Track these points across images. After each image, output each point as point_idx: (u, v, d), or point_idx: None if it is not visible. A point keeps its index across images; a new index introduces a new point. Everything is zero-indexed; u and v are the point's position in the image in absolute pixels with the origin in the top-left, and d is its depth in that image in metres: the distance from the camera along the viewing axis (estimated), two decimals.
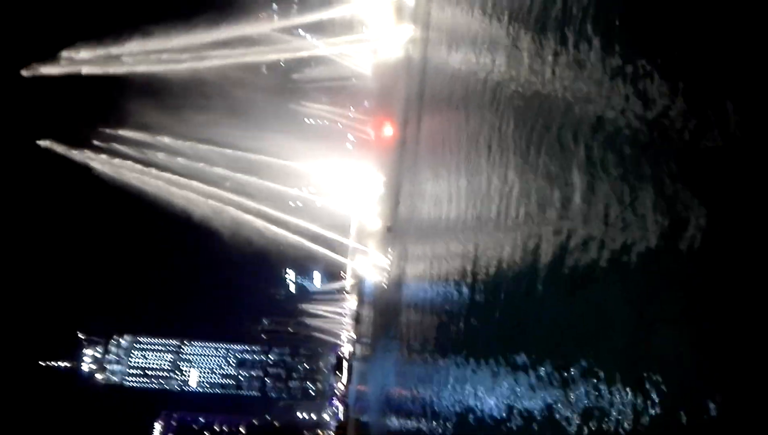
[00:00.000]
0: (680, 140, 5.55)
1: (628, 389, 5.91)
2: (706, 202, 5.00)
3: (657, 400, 5.36)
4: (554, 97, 9.58)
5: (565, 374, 7.71)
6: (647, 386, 5.55)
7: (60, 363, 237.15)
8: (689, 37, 5.61)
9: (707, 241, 4.92)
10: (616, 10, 7.58)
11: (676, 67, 5.80)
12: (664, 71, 6.02)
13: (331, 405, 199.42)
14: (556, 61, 9.79)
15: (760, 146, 4.37)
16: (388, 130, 65.06)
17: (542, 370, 8.85)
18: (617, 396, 6.13)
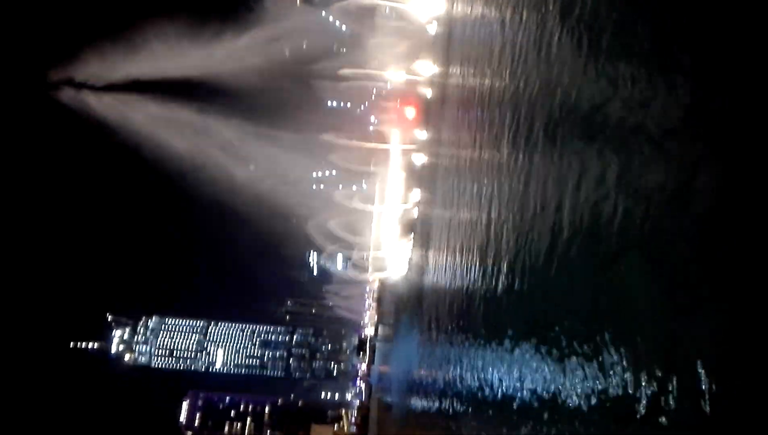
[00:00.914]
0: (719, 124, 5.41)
1: (657, 374, 5.83)
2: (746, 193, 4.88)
3: (685, 387, 5.28)
4: (566, 87, 9.45)
5: (593, 356, 7.64)
6: (675, 372, 5.48)
7: (90, 344, 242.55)
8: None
9: (744, 229, 4.81)
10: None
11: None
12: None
13: (355, 385, 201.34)
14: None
15: None
16: (411, 112, 64.82)
17: (568, 352, 8.78)
18: (646, 381, 6.05)
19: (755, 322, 4.50)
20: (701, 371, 5.02)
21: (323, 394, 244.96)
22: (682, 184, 5.82)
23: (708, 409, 4.86)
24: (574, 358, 8.47)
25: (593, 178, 8.35)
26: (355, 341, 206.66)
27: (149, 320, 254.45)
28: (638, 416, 6.10)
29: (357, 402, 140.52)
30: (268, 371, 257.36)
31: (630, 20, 7.83)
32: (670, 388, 5.50)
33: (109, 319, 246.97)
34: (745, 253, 4.76)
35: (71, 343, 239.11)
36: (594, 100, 8.70)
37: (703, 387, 4.94)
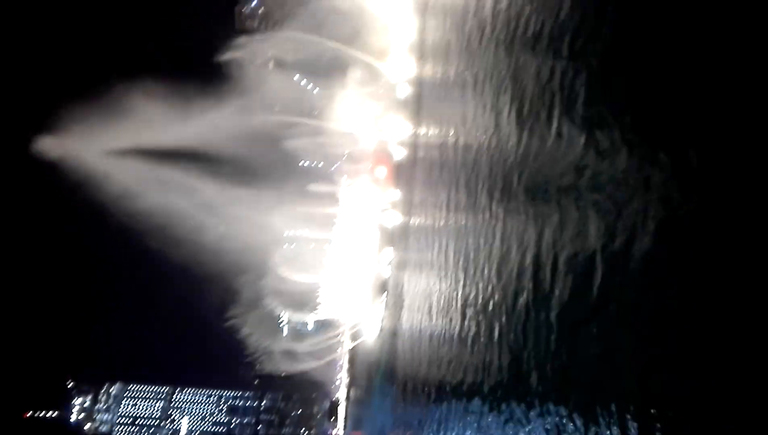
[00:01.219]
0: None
1: (633, 429, 5.86)
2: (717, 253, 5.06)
3: None
4: (515, 153, 9.78)
5: (563, 416, 7.65)
6: (647, 425, 5.52)
7: (48, 412, 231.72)
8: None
9: (713, 279, 4.97)
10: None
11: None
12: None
13: None
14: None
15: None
16: (382, 172, 65.63)
17: (538, 413, 8.77)
18: None
19: (718, 378, 4.60)
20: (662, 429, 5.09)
21: None
22: (638, 250, 6.01)
23: None
24: (545, 419, 8.46)
25: (562, 241, 8.56)
26: (327, 405, 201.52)
27: (111, 387, 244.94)
28: None
29: None
30: None
31: (597, 88, 8.20)
32: None
33: (68, 386, 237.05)
34: (699, 313, 4.91)
35: (27, 412, 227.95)
36: (560, 164, 9.00)
37: None
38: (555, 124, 9.60)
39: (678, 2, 5.55)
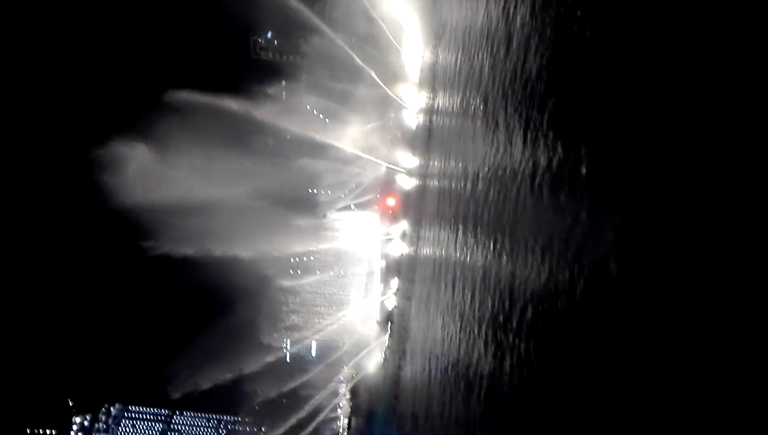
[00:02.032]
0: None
1: None
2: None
3: None
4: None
5: None
6: None
7: (48, 430, 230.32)
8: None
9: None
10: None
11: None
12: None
13: None
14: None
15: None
16: (391, 201, 65.93)
17: None
18: None
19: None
20: None
21: None
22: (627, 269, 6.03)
23: None
24: None
25: (561, 283, 8.57)
26: (328, 433, 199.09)
27: (111, 407, 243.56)
28: None
29: None
30: None
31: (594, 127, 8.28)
32: None
33: (69, 405, 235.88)
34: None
35: (28, 430, 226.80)
36: (557, 221, 9.05)
37: None
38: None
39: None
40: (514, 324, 11.42)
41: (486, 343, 13.72)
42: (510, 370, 11.43)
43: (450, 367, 18.60)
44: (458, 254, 20.29)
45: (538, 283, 10.18)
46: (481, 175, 17.73)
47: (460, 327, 17.55)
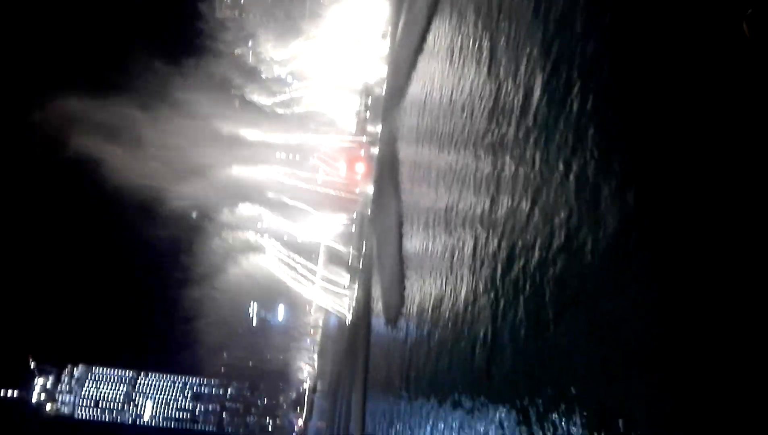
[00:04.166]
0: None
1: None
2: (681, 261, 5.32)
3: None
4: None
5: (533, 416, 7.92)
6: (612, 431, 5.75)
7: (8, 392, 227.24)
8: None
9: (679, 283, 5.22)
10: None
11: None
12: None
13: None
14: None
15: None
16: (360, 167, 65.66)
17: (507, 410, 9.00)
18: None
19: (689, 385, 4.83)
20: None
21: None
22: (615, 244, 6.25)
23: None
24: (513, 416, 8.71)
25: (539, 240, 8.80)
26: (293, 395, 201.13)
27: (75, 369, 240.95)
28: None
29: None
30: (200, 425, 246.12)
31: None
32: None
33: (31, 366, 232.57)
34: (678, 311, 5.13)
35: None
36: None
37: None
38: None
39: None
40: (488, 279, 11.71)
41: (456, 295, 14.03)
42: (475, 325, 11.76)
43: (414, 320, 18.93)
44: (426, 215, 20.50)
45: (511, 239, 10.44)
46: (450, 137, 17.76)
47: (427, 286, 17.85)
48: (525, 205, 9.51)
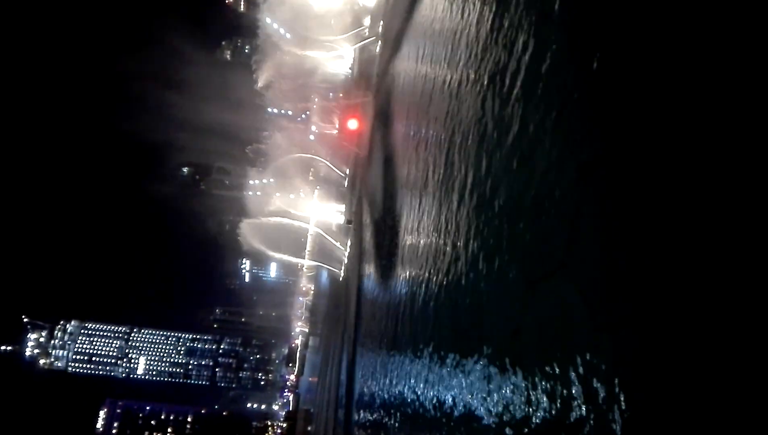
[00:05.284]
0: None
1: (585, 393, 5.92)
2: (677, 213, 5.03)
3: (602, 407, 5.38)
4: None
5: (522, 374, 7.74)
6: (603, 390, 5.58)
7: (2, 346, 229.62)
8: None
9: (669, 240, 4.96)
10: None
11: None
12: None
13: (282, 396, 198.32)
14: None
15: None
16: (353, 123, 64.78)
17: (493, 367, 8.88)
18: (574, 399, 6.14)
19: (674, 340, 4.63)
20: (619, 390, 5.14)
21: (249, 404, 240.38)
22: (602, 206, 5.98)
23: (620, 429, 4.97)
24: (498, 375, 8.57)
25: (523, 198, 8.51)
26: (285, 351, 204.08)
27: (68, 324, 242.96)
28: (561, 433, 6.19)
29: (283, 413, 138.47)
30: (193, 380, 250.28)
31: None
32: (590, 407, 5.59)
33: (24, 322, 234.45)
34: (665, 273, 4.91)
35: None
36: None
37: (620, 408, 5.04)
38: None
39: None
40: (473, 236, 11.44)
41: (441, 257, 13.82)
42: (460, 284, 11.56)
43: (402, 278, 18.81)
44: (420, 172, 20.17)
45: (491, 202, 10.13)
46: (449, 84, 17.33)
47: (416, 241, 17.66)
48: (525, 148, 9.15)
